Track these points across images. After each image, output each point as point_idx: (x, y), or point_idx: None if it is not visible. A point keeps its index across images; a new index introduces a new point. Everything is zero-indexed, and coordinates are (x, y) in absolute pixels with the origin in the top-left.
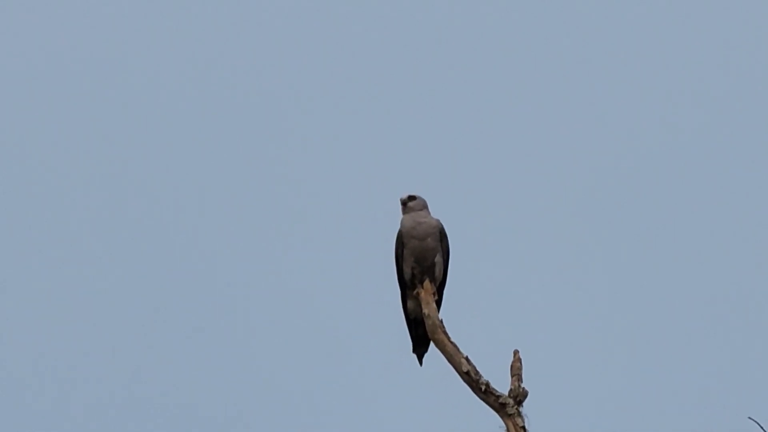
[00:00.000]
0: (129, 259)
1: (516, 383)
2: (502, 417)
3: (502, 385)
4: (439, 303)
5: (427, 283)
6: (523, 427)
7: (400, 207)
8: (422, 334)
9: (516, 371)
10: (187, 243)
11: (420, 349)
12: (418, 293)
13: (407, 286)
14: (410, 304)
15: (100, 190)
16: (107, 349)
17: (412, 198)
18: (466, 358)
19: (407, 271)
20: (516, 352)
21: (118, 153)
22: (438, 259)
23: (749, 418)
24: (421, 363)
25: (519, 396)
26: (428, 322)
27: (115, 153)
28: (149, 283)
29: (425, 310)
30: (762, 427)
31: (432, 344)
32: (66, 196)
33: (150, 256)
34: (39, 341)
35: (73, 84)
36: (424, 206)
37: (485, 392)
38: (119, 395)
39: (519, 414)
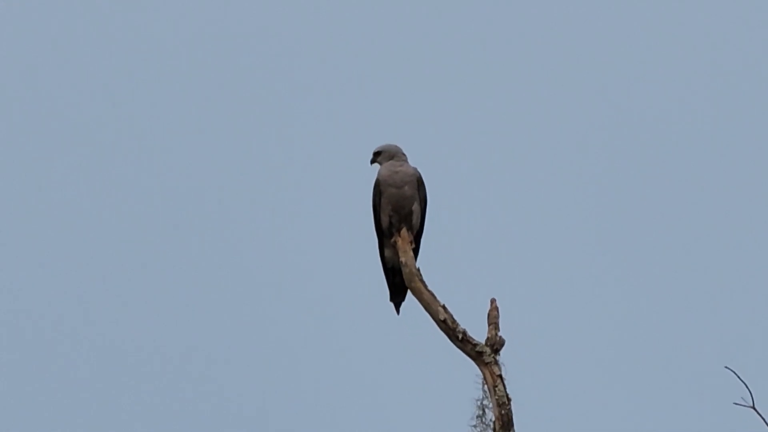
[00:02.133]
0: (125, 252)
1: (493, 332)
2: (479, 365)
3: (479, 334)
4: (416, 251)
5: (404, 231)
6: (500, 376)
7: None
8: (399, 282)
9: (493, 320)
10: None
11: (397, 297)
12: (395, 241)
13: (384, 235)
14: (387, 252)
15: (99, 188)
16: (105, 348)
17: (377, 154)
18: (443, 307)
19: (385, 219)
20: (493, 301)
21: (116, 143)
22: (415, 207)
23: (726, 367)
24: (398, 312)
25: (496, 344)
26: (405, 270)
27: (113, 143)
28: (140, 276)
29: (402, 258)
30: (739, 377)
31: (409, 293)
32: (64, 195)
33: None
34: (38, 342)
35: (70, 82)
36: (395, 153)
37: (462, 341)
38: (118, 394)
39: (496, 362)
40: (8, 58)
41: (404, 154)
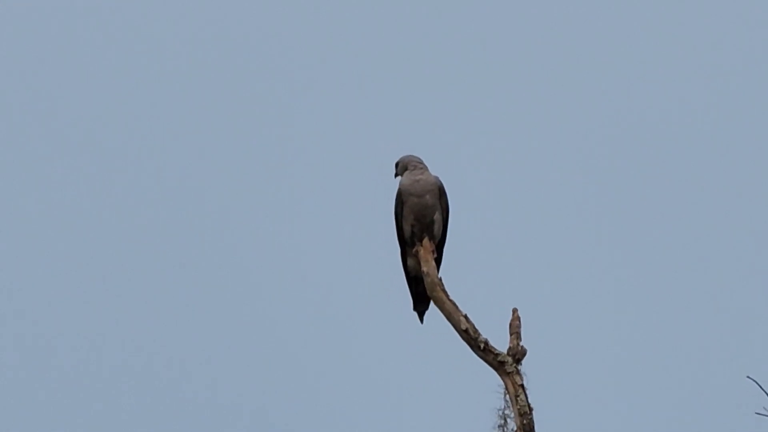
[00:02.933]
0: (128, 251)
1: (515, 341)
2: (500, 375)
3: (501, 344)
4: (438, 261)
5: (426, 240)
6: (522, 385)
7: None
8: (422, 291)
9: (515, 329)
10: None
11: (420, 306)
12: (417, 251)
13: (407, 244)
14: (410, 262)
15: (96, 187)
16: (105, 348)
17: (396, 166)
18: (465, 316)
19: (407, 229)
20: (515, 311)
21: (113, 142)
22: (437, 216)
23: (748, 377)
24: (422, 321)
25: (518, 354)
26: (427, 280)
27: (110, 142)
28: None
29: (424, 268)
30: (761, 386)
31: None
32: (62, 195)
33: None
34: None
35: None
36: (408, 163)
37: (484, 350)
38: (116, 395)
39: (518, 372)
40: (7, 58)
41: (422, 163)
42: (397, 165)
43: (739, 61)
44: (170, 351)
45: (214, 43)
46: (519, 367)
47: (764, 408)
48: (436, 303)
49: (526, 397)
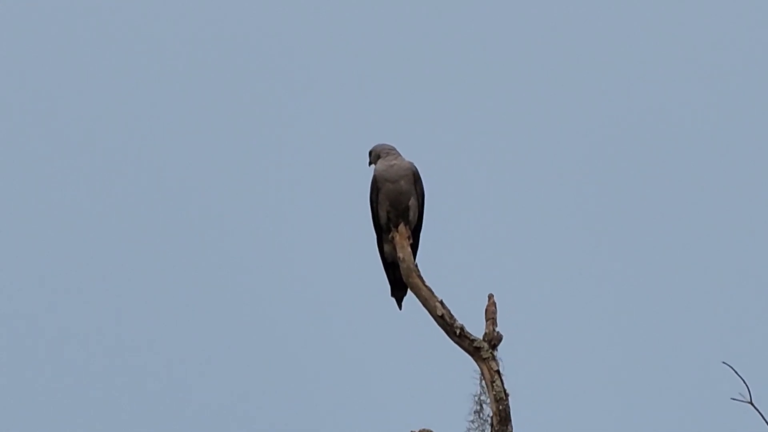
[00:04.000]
0: (118, 252)
1: (490, 327)
2: (476, 361)
3: (477, 329)
4: (414, 247)
5: (401, 227)
6: (498, 371)
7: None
8: (399, 277)
9: (491, 315)
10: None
11: (398, 292)
12: (392, 237)
13: (383, 231)
14: (386, 248)
15: (92, 187)
16: (101, 348)
17: (369, 154)
18: (441, 302)
19: (382, 215)
20: (491, 296)
21: (109, 142)
22: (412, 202)
23: (723, 362)
24: (400, 307)
25: (493, 340)
26: (403, 266)
27: (105, 141)
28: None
29: (400, 254)
30: (737, 372)
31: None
32: (60, 195)
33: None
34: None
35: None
36: (381, 151)
37: (460, 336)
38: (111, 396)
39: (493, 358)
40: (4, 57)
41: (395, 150)
42: (370, 153)
43: (739, 61)
44: (153, 347)
45: (206, 42)
46: (495, 353)
47: (740, 394)
48: (412, 289)
49: (502, 383)
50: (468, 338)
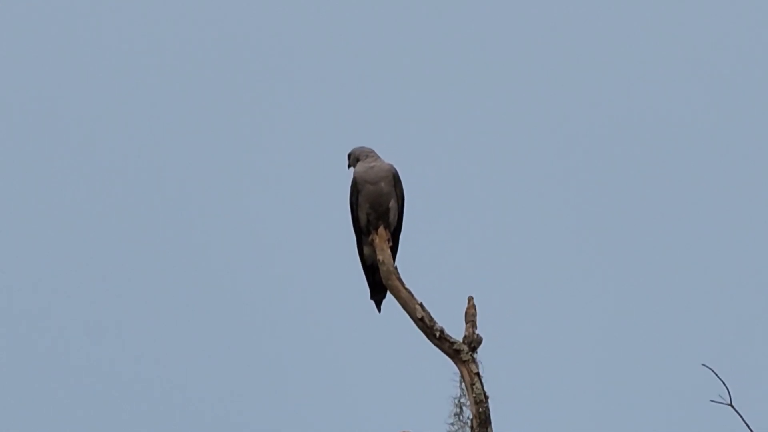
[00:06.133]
0: (103, 252)
1: (470, 330)
2: (456, 363)
3: (457, 332)
4: (394, 249)
5: (381, 229)
6: (477, 374)
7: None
8: (379, 280)
9: (470, 318)
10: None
11: (378, 295)
12: (372, 240)
13: (363, 233)
14: (366, 250)
15: (88, 187)
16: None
17: (348, 157)
18: (421, 305)
19: (362, 217)
20: (470, 299)
21: (104, 141)
22: (392, 204)
23: (703, 364)
24: (379, 310)
25: (473, 342)
26: (382, 269)
27: (101, 140)
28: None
29: (379, 257)
30: (717, 374)
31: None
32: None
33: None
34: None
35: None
36: (360, 154)
37: (439, 339)
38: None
39: (473, 360)
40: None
41: (374, 152)
42: (349, 156)
43: (739, 61)
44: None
45: (185, 42)
46: (474, 356)
47: (719, 396)
48: (391, 291)
49: (482, 386)
50: (448, 341)
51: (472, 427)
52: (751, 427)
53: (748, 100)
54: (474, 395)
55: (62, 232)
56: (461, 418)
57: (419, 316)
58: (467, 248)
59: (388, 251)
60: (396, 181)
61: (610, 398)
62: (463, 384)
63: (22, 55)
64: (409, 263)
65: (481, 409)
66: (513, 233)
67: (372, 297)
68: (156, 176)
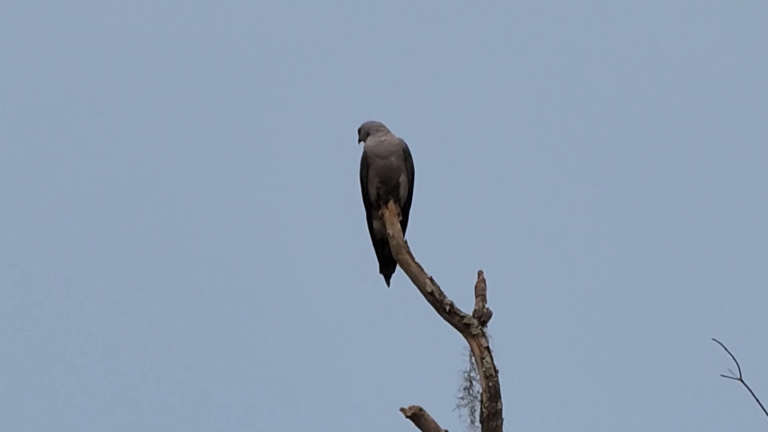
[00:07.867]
0: (102, 252)
1: (480, 304)
2: (466, 337)
3: (467, 306)
4: (404, 223)
5: (391, 203)
6: (487, 348)
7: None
8: (388, 254)
9: (480, 292)
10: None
11: (387, 270)
12: (382, 214)
13: (373, 207)
14: (376, 224)
15: (86, 187)
16: (92, 348)
17: (358, 132)
18: (431, 279)
19: (372, 191)
20: (480, 273)
21: (102, 140)
22: (402, 179)
23: (713, 339)
24: (388, 284)
25: (483, 316)
26: (392, 243)
27: (98, 140)
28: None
29: (389, 231)
30: (726, 349)
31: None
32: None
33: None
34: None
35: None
36: (371, 128)
37: (449, 313)
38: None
39: (483, 334)
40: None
41: (384, 127)
42: (359, 131)
43: (739, 61)
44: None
45: (187, 34)
46: (484, 330)
47: (729, 371)
48: (401, 266)
49: (492, 360)
50: (458, 315)
51: (481, 401)
52: (761, 402)
53: (748, 100)
54: (484, 369)
55: (62, 232)
56: (471, 392)
57: (429, 290)
58: (477, 222)
59: (398, 225)
60: (406, 155)
61: (619, 372)
62: (473, 358)
63: (22, 55)
64: (419, 237)
65: (490, 383)
66: (523, 207)
67: (381, 271)
68: (163, 155)
